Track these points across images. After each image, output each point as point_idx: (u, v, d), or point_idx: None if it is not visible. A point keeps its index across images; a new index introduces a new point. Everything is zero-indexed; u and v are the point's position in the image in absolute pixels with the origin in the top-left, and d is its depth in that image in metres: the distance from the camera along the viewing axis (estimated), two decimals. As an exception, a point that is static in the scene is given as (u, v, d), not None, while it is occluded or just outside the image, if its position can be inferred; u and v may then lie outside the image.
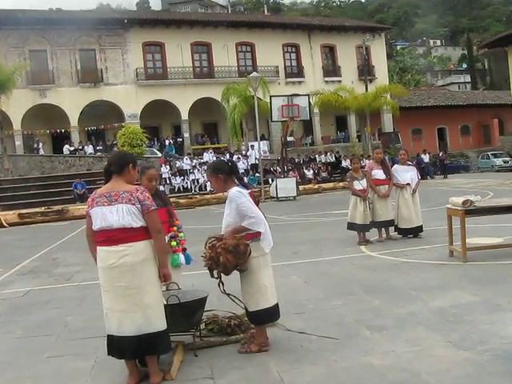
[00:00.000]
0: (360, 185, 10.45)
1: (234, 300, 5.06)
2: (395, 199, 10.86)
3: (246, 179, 30.85)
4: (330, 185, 30.58)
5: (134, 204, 4.27)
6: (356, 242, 10.45)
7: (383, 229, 10.80)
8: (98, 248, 4.37)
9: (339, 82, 42.29)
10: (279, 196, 25.09)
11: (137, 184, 5.43)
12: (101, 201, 4.32)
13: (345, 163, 35.11)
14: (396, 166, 11.18)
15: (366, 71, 42.70)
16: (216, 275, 4.78)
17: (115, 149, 35.16)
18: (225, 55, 40.87)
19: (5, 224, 21.95)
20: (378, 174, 10.74)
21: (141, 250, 4.28)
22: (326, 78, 43.75)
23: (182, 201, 25.92)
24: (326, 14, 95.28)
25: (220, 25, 41.49)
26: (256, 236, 4.76)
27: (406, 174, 10.80)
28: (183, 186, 31.22)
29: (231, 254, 4.63)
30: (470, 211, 7.93)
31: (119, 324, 4.29)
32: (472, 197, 8.09)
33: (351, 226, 10.53)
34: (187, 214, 20.21)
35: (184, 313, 4.78)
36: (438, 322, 5.26)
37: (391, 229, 10.84)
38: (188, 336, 5.04)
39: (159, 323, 4.35)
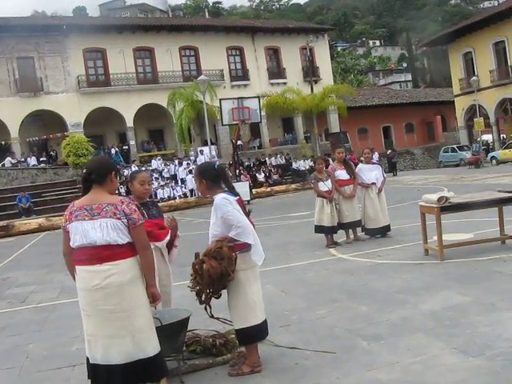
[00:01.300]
0: (325, 186, 10.14)
1: (226, 322, 4.66)
2: (361, 199, 10.61)
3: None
4: (283, 187, 30.43)
5: (119, 218, 3.80)
6: (324, 245, 10.15)
7: (350, 230, 10.53)
8: (78, 268, 3.87)
9: (284, 83, 42.18)
10: (233, 200, 24.64)
11: (125, 191, 4.96)
12: (81, 214, 3.82)
13: (295, 165, 35.01)
14: (360, 165, 10.94)
15: (310, 72, 42.71)
16: (204, 298, 4.39)
17: (61, 158, 34.19)
18: (168, 60, 40.18)
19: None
20: (342, 174, 10.48)
21: (128, 268, 3.82)
22: (272, 80, 43.57)
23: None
24: (266, 17, 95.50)
25: (162, 29, 40.79)
26: (244, 247, 4.35)
27: (370, 173, 10.57)
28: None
29: (214, 260, 4.26)
30: (445, 208, 7.71)
31: (105, 351, 3.80)
32: (446, 193, 7.88)
33: (319, 228, 10.21)
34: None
35: (166, 336, 4.30)
36: (435, 326, 4.96)
37: (358, 229, 10.59)
38: (171, 361, 4.57)
39: (151, 348, 3.88)
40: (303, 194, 25.54)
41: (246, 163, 35.00)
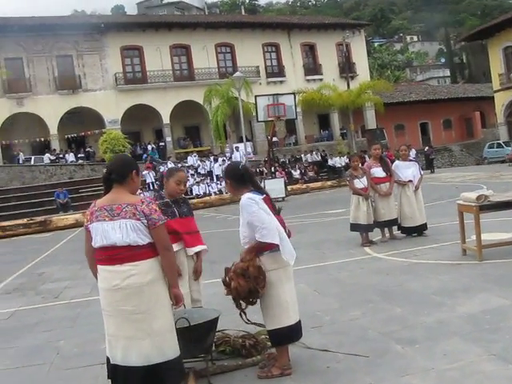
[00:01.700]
0: (361, 183, 9.94)
1: (261, 326, 4.58)
2: (397, 197, 10.38)
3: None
4: (318, 184, 30.22)
5: (139, 219, 3.72)
6: (358, 244, 9.96)
7: (386, 228, 10.32)
8: (99, 267, 3.82)
9: (320, 80, 41.91)
10: (268, 197, 24.52)
11: (158, 187, 4.91)
12: (101, 215, 3.77)
13: (331, 162, 34.73)
14: (397, 162, 10.69)
15: (347, 68, 42.34)
16: (243, 306, 4.36)
17: (98, 155, 34.52)
18: (204, 57, 40.25)
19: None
20: (378, 171, 10.25)
21: (148, 269, 3.74)
22: (308, 77, 43.31)
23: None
24: (303, 13, 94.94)
25: (198, 26, 40.89)
26: (273, 246, 4.24)
27: (407, 170, 10.32)
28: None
29: (242, 278, 4.21)
30: (485, 207, 7.47)
31: (125, 352, 3.74)
32: (485, 191, 7.64)
33: (355, 226, 10.02)
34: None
35: (194, 337, 4.23)
36: (473, 330, 4.77)
37: (394, 228, 10.37)
38: (199, 361, 4.50)
39: (171, 351, 3.79)
40: (339, 191, 25.28)
41: (282, 160, 34.87)
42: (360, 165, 10.46)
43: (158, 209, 3.83)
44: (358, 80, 41.48)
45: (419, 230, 10.19)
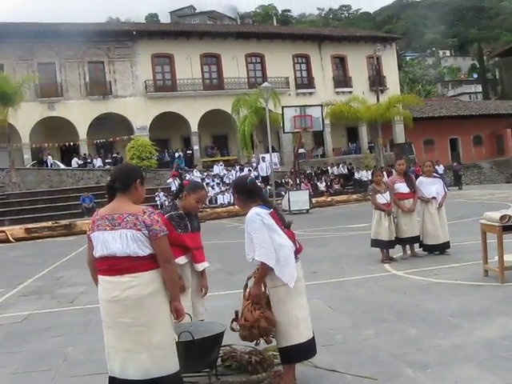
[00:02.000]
0: (383, 198, 9.77)
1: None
2: (420, 214, 10.19)
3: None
4: (344, 197, 29.92)
5: (140, 229, 3.63)
6: (378, 260, 9.78)
7: (408, 245, 10.12)
8: (100, 277, 3.75)
9: (350, 92, 41.68)
10: (292, 209, 24.40)
11: (171, 205, 4.82)
12: (102, 224, 3.69)
13: (358, 175, 34.46)
14: (421, 178, 10.47)
15: (377, 82, 42.04)
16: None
17: (125, 161, 34.72)
18: (234, 66, 40.37)
19: (11, 239, 21.43)
20: (402, 187, 10.07)
21: (148, 281, 3.65)
22: (337, 89, 43.13)
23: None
24: (335, 25, 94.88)
25: (229, 36, 41.06)
26: None
27: (431, 186, 10.11)
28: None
29: (253, 330, 4.20)
30: (509, 227, 7.25)
31: (123, 365, 3.65)
32: (510, 211, 7.42)
33: (376, 242, 9.84)
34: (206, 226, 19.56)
35: (198, 351, 4.14)
36: (489, 357, 4.58)
37: (416, 245, 10.16)
38: (203, 376, 4.40)
39: (170, 365, 3.69)
40: (364, 205, 24.97)
41: (308, 171, 34.70)
42: (386, 178, 10.28)
43: (159, 219, 3.73)
44: (388, 94, 41.15)
45: (441, 249, 9.97)
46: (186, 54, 39.06)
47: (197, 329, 4.54)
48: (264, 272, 4.16)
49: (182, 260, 4.79)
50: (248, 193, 4.37)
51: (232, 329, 4.44)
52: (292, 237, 4.32)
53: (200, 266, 4.97)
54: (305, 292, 4.36)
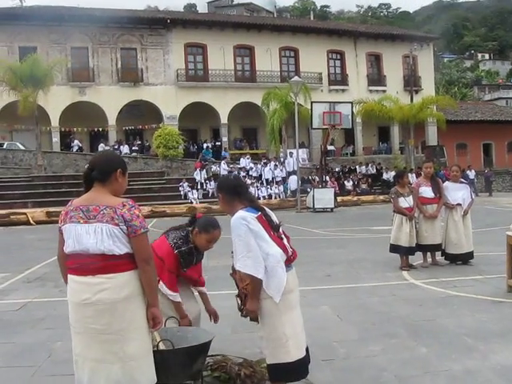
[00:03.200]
0: (406, 202, 9.29)
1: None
2: (444, 221, 9.67)
3: (281, 188, 29.89)
4: (370, 197, 29.33)
5: (117, 224, 3.24)
6: (397, 266, 9.30)
7: (428, 253, 9.61)
8: (69, 277, 3.37)
9: (384, 91, 40.89)
10: (316, 207, 23.95)
11: (183, 237, 4.46)
12: (76, 216, 3.31)
13: (386, 175, 33.78)
14: (447, 183, 9.95)
15: (412, 82, 41.20)
16: None
17: (152, 149, 34.60)
18: (268, 59, 39.88)
19: (32, 222, 21.39)
20: (427, 191, 9.56)
21: (124, 283, 3.26)
22: (371, 87, 42.40)
23: (214, 207, 25.00)
24: (373, 23, 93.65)
25: (264, 28, 40.55)
26: None
27: (457, 192, 9.58)
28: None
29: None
30: (537, 241, 6.73)
31: (92, 376, 3.28)
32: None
33: (395, 248, 9.36)
34: (219, 220, 19.23)
35: (179, 361, 3.76)
36: (504, 387, 4.14)
37: (438, 253, 9.65)
38: (186, 387, 4.03)
39: (144, 379, 3.31)
40: (390, 207, 24.31)
41: (336, 169, 34.15)
42: (415, 179, 9.78)
43: (140, 215, 3.33)
44: (422, 94, 40.23)
45: (464, 259, 9.45)
46: (220, 44, 38.69)
47: (184, 335, 4.18)
48: (256, 286, 3.71)
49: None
50: (232, 190, 3.94)
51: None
52: (281, 244, 3.84)
53: (202, 289, 4.81)
54: (297, 305, 3.92)
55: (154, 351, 3.54)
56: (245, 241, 3.67)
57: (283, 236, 3.93)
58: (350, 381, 4.32)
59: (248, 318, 3.98)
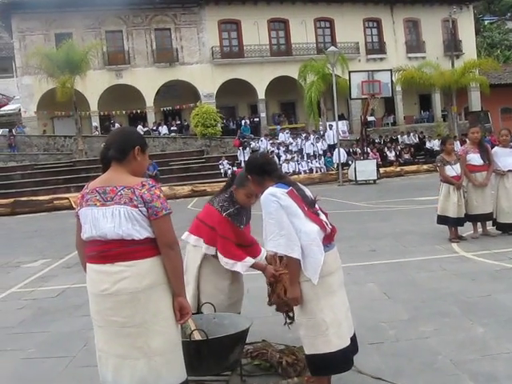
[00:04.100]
0: (453, 170, 8.81)
1: None
2: (494, 188, 9.16)
3: (322, 161, 29.43)
4: (413, 167, 28.60)
5: (136, 206, 2.94)
6: (446, 238, 8.87)
7: (479, 223, 9.13)
8: (88, 265, 3.11)
9: (423, 58, 39.62)
10: (358, 179, 23.46)
11: (228, 199, 4.18)
12: (92, 198, 3.03)
13: (429, 144, 32.93)
14: (496, 148, 9.39)
15: (452, 46, 39.87)
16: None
17: (191, 127, 34.43)
18: (303, 32, 39.07)
19: (74, 206, 21.41)
20: (475, 158, 9.03)
21: (145, 271, 2.97)
22: (410, 54, 41.21)
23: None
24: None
25: (298, 0, 39.73)
26: None
27: (507, 158, 9.00)
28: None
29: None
30: None
31: (116, 373, 3.01)
32: None
33: (442, 219, 8.92)
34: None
35: (214, 351, 3.50)
36: None
37: (489, 223, 9.15)
38: (225, 377, 3.77)
39: (172, 375, 3.03)
40: (434, 176, 23.56)
41: (377, 140, 33.43)
42: (460, 147, 9.29)
43: (162, 195, 3.02)
44: (464, 59, 38.90)
45: (518, 228, 8.95)
46: (254, 19, 38.05)
47: (221, 322, 3.93)
48: (295, 267, 3.39)
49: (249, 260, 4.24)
50: (260, 169, 3.63)
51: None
52: (318, 220, 3.48)
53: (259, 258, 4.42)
54: (340, 288, 3.56)
55: (187, 341, 3.28)
56: (276, 218, 3.34)
57: (320, 212, 3.57)
58: (400, 367, 3.99)
59: (274, 306, 3.76)
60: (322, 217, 3.54)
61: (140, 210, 2.95)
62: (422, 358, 4.12)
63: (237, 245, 4.21)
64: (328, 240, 3.47)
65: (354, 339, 3.58)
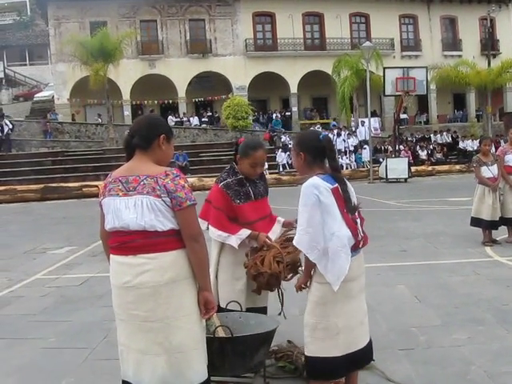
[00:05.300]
0: (489, 171, 8.55)
1: None
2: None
3: (352, 158, 29.14)
4: (445, 167, 28.13)
5: (159, 196, 2.81)
6: (479, 241, 8.61)
7: (515, 227, 8.85)
8: (111, 257, 3.00)
9: (459, 56, 38.94)
10: (389, 177, 23.14)
11: (228, 170, 4.02)
12: (114, 188, 2.91)
13: (462, 144, 32.37)
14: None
15: (489, 45, 39.07)
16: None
17: (222, 119, 34.30)
18: (337, 26, 38.66)
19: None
20: (513, 159, 8.78)
21: (168, 264, 2.84)
22: (445, 52, 40.55)
23: (284, 177, 24.70)
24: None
25: (334, -6, 39.33)
26: None
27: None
28: (288, 162, 29.72)
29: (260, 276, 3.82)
30: None
31: (136, 369, 2.91)
32: None
33: (476, 221, 8.67)
34: (289, 192, 18.70)
35: (238, 351, 3.36)
36: None
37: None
38: (247, 378, 3.63)
39: (194, 374, 2.90)
40: (467, 177, 23.20)
41: (409, 138, 32.97)
42: (494, 150, 9.01)
43: (187, 185, 2.88)
44: (501, 58, 38.09)
45: (554, 233, 8.66)
46: (288, 12, 37.79)
47: (247, 321, 3.78)
48: (308, 265, 3.25)
49: (245, 232, 3.96)
50: (317, 152, 3.34)
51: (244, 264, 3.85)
52: (352, 227, 3.26)
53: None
54: (360, 294, 3.35)
55: (210, 338, 3.15)
56: (310, 213, 3.15)
57: (358, 220, 3.34)
58: (432, 376, 3.80)
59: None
60: (358, 225, 3.32)
61: (163, 201, 2.83)
62: (455, 368, 3.92)
63: (232, 219, 3.97)
64: (356, 247, 3.27)
65: (367, 346, 3.37)
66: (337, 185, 3.25)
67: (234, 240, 3.94)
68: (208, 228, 3.98)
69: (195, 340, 2.94)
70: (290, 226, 4.16)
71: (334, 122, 34.52)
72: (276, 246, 3.86)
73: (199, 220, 4.02)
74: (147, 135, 2.96)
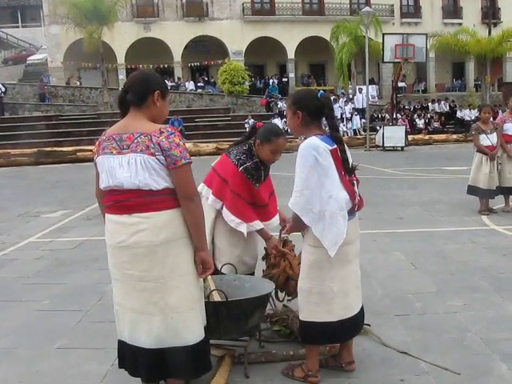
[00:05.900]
0: (488, 140, 8.47)
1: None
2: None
3: (349, 125, 28.99)
4: (442, 136, 27.98)
5: (153, 154, 2.74)
6: (476, 210, 8.58)
7: (511, 197, 8.81)
8: (106, 216, 2.95)
9: (459, 24, 38.43)
10: (386, 145, 23.00)
11: (246, 152, 3.90)
12: (108, 146, 2.84)
13: (460, 113, 32.18)
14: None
15: (490, 13, 38.58)
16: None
17: (218, 85, 33.96)
18: (337, -9, 38.12)
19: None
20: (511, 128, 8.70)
21: (163, 223, 2.80)
22: (446, 20, 40.04)
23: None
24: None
25: (333, -42, 38.65)
26: None
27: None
28: (284, 128, 29.57)
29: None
30: None
31: (132, 328, 2.90)
32: None
33: (473, 189, 8.63)
34: (285, 158, 18.62)
35: (233, 315, 3.32)
36: None
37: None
38: (243, 341, 3.60)
39: (190, 334, 2.89)
40: (464, 147, 23.12)
41: (407, 107, 32.76)
42: (492, 119, 8.92)
43: (181, 143, 2.80)
44: (502, 27, 37.68)
45: (552, 203, 8.63)
46: (286, -25, 37.19)
47: (242, 284, 3.75)
48: (296, 226, 3.20)
49: (258, 224, 3.96)
50: (315, 111, 3.23)
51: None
52: (350, 190, 3.19)
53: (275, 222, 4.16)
54: (355, 258, 3.31)
55: (205, 302, 3.11)
56: (306, 175, 3.06)
57: (355, 182, 3.27)
58: (428, 342, 3.77)
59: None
60: (355, 187, 3.25)
61: (157, 159, 2.76)
62: (451, 334, 3.90)
63: (250, 204, 3.93)
64: (352, 210, 3.21)
65: (360, 312, 3.36)
66: (336, 146, 3.17)
67: (244, 228, 3.91)
68: (222, 208, 3.93)
69: (191, 300, 2.92)
70: (283, 222, 4.12)
71: (342, 90, 34.08)
72: (288, 252, 3.91)
73: (202, 185, 3.99)
74: (141, 91, 2.88)
